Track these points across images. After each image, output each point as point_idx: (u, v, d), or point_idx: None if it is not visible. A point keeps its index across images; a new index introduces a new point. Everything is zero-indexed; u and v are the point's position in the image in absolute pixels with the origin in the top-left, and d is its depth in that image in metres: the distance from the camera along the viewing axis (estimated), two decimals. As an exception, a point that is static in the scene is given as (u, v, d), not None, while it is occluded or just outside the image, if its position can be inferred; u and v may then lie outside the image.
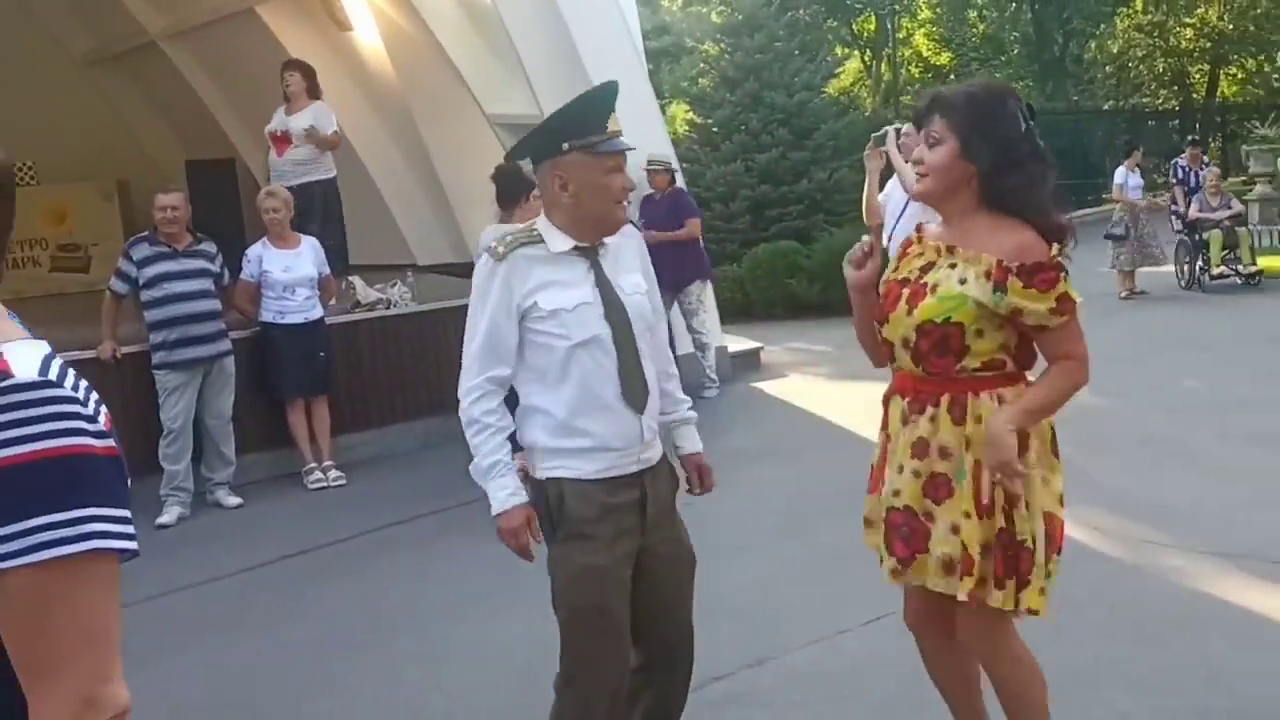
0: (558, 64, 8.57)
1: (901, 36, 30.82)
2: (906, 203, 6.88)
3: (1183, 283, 13.04)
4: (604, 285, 2.79)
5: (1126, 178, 12.86)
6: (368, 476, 7.29)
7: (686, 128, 19.16)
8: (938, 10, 31.03)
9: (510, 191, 6.89)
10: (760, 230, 14.98)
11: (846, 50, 30.36)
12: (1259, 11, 29.39)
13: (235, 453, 6.96)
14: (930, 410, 2.69)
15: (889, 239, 7.00)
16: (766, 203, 15.27)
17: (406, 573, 5.44)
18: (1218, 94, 31.93)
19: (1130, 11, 30.52)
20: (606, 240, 2.84)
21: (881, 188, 7.09)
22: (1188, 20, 30.71)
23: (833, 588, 4.70)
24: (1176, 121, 30.85)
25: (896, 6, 28.73)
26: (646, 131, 9.27)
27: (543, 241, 2.78)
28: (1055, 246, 2.64)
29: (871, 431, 7.01)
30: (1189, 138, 17.48)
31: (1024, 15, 28.99)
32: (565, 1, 8.82)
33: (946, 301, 2.64)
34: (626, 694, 2.87)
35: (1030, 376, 2.77)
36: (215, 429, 6.85)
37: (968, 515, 2.64)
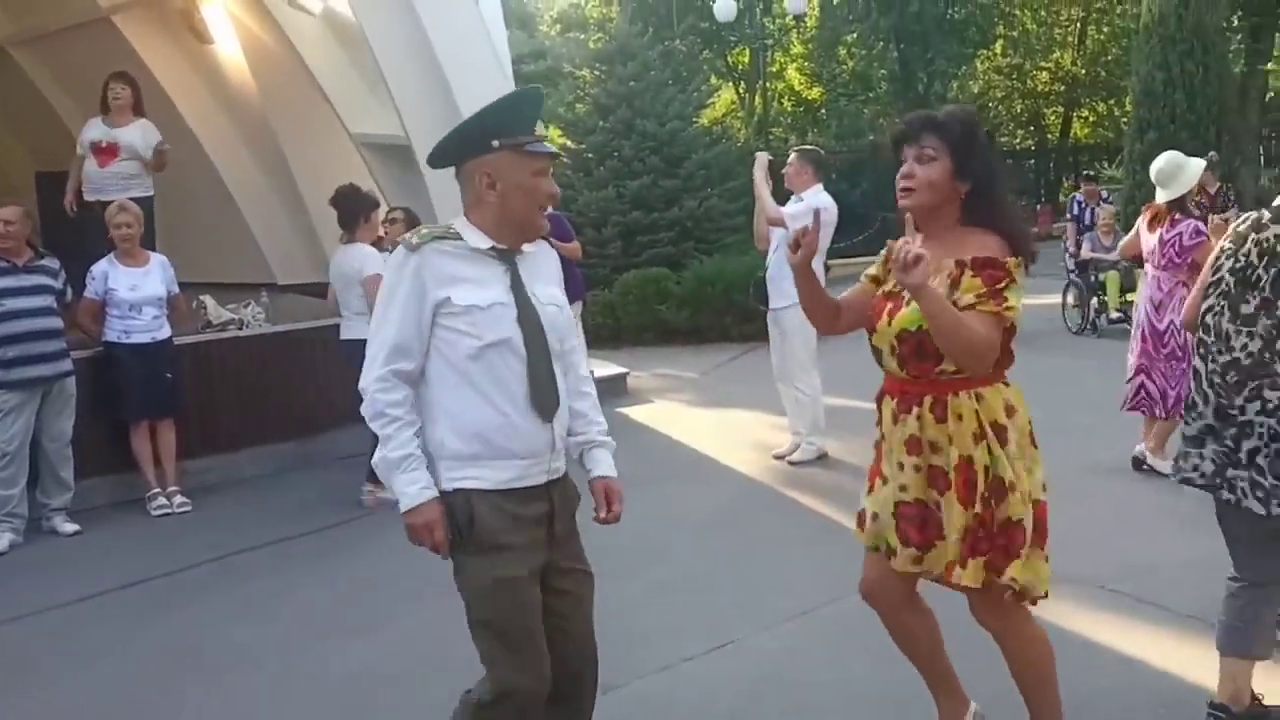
0: (423, 83, 8.51)
1: (774, 70, 31.47)
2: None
3: (1073, 327, 12.34)
4: (519, 289, 2.74)
5: None
6: (215, 502, 7.06)
7: (561, 152, 19.19)
8: (809, 46, 31.83)
9: (350, 213, 6.83)
10: (631, 256, 15.06)
11: (721, 81, 30.85)
12: (1109, 58, 31.04)
13: (74, 477, 6.68)
14: (915, 410, 2.87)
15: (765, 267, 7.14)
16: (637, 229, 15.37)
17: (250, 603, 5.26)
18: (1071, 135, 33.43)
19: (990, 54, 31.77)
20: (525, 249, 2.81)
21: None
22: (1044, 64, 32.16)
23: (682, 614, 4.74)
24: (1033, 161, 32.20)
25: (770, 41, 29.33)
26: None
27: (460, 238, 2.73)
28: (1016, 259, 2.80)
29: (734, 459, 7.17)
30: (1084, 172, 16.59)
31: (890, 54, 29.89)
32: (431, 22, 8.76)
33: (919, 311, 2.76)
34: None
35: (1007, 378, 2.95)
36: (53, 451, 6.57)
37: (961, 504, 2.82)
